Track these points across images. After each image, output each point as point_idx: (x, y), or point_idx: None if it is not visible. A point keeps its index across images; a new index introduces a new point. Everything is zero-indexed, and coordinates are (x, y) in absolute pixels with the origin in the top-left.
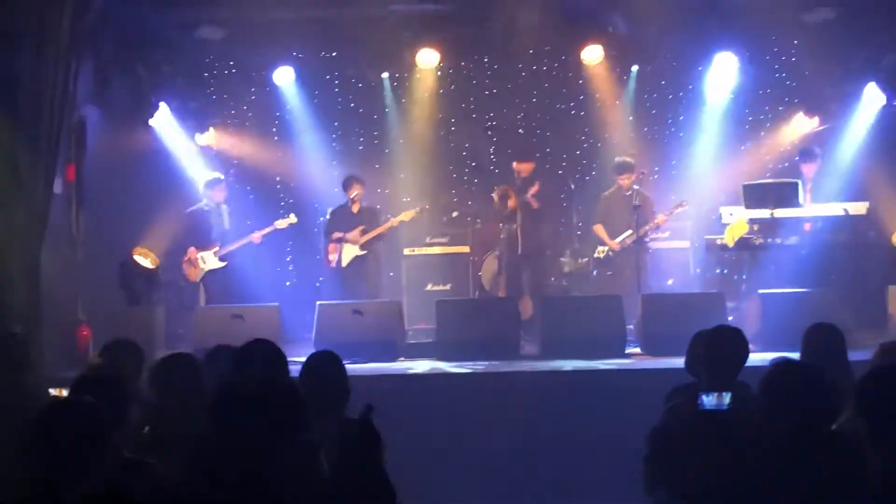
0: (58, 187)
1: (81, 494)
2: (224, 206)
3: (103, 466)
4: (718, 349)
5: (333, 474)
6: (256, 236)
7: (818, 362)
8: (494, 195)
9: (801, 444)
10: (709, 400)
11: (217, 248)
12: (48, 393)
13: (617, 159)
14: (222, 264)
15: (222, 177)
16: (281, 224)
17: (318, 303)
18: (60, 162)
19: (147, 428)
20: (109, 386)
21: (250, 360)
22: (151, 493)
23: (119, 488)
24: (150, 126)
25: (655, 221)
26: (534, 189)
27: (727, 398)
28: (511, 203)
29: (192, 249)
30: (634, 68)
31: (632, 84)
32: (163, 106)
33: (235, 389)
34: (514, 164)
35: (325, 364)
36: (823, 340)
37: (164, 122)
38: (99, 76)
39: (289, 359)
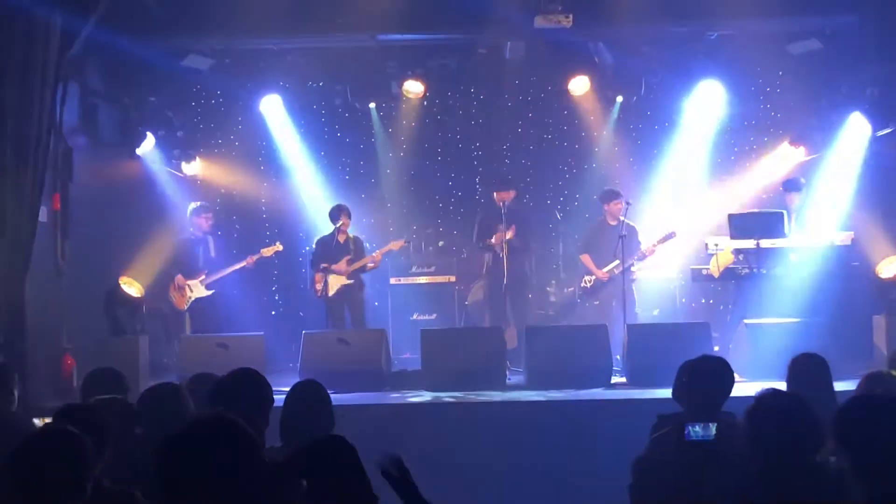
0: (43, 216)
1: None
2: (210, 237)
3: (84, 496)
4: (703, 379)
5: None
6: (251, 260)
7: (803, 392)
8: (477, 226)
9: (785, 475)
10: (694, 430)
11: (203, 277)
12: (32, 422)
13: (604, 189)
14: (209, 293)
15: (208, 205)
16: (267, 252)
17: (303, 332)
18: (46, 191)
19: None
20: (92, 416)
21: (233, 389)
22: None
23: None
24: (137, 155)
25: (642, 251)
26: (511, 232)
27: (712, 429)
28: (497, 236)
29: (180, 277)
30: (619, 99)
31: (615, 114)
32: (149, 135)
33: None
34: (495, 193)
35: (309, 394)
36: (809, 371)
37: (150, 151)
38: (85, 105)
39: (274, 388)
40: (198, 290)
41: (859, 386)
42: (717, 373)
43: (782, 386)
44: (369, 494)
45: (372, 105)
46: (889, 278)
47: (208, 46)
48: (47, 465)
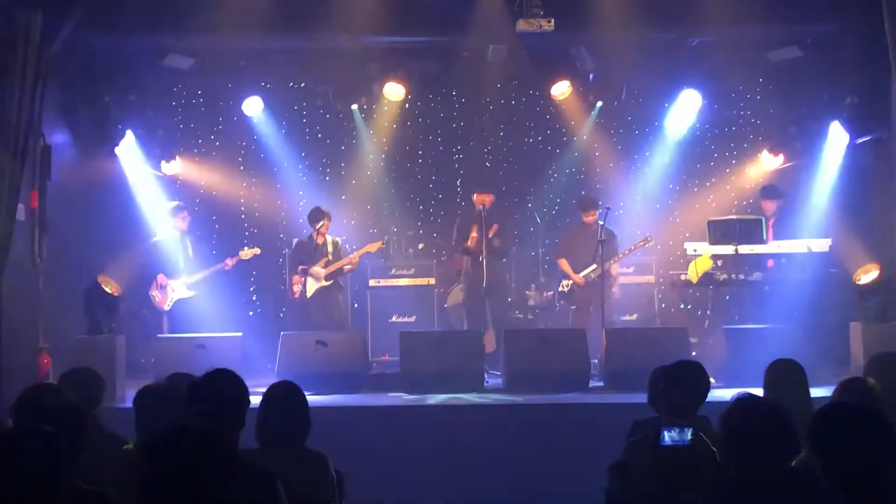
0: (21, 214)
1: None
2: (188, 237)
3: (57, 497)
4: (679, 383)
5: None
6: (229, 262)
7: (780, 398)
8: (456, 229)
9: (760, 481)
10: (670, 435)
11: (185, 277)
12: (7, 421)
13: (582, 194)
14: (191, 293)
15: (184, 205)
16: (245, 255)
17: (282, 333)
18: (24, 189)
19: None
20: (65, 415)
21: (209, 389)
22: None
23: None
24: (116, 154)
25: (618, 257)
26: (493, 230)
27: (688, 433)
28: (474, 237)
29: (161, 276)
30: (599, 104)
31: (593, 118)
32: (129, 134)
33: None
34: (475, 195)
35: (285, 395)
36: (785, 376)
37: (130, 150)
38: (65, 103)
39: (251, 389)
40: (180, 290)
41: (835, 393)
42: (693, 377)
43: (759, 391)
44: None
45: (354, 106)
46: (866, 285)
47: (189, 46)
48: (19, 466)
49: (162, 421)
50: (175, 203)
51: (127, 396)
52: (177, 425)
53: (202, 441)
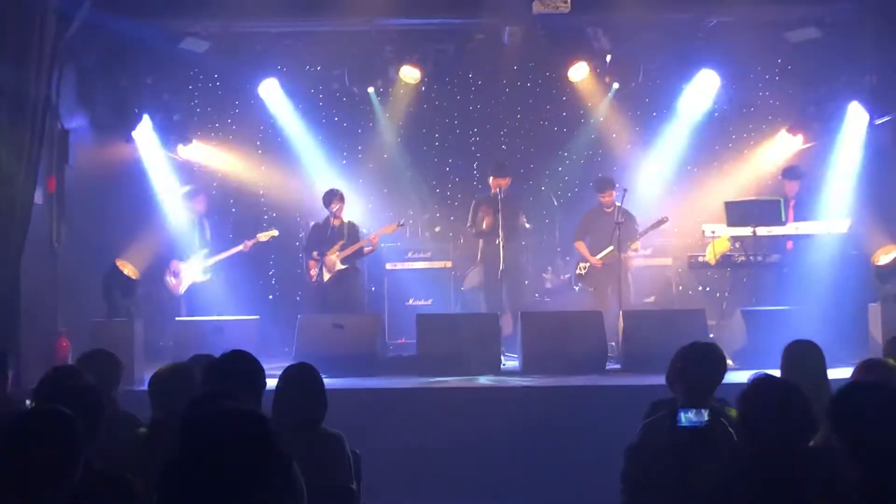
0: (39, 198)
1: None
2: (205, 220)
3: (73, 478)
4: (695, 365)
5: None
6: (247, 244)
7: (798, 379)
8: (469, 214)
9: (777, 461)
10: (686, 416)
11: (202, 261)
12: (26, 404)
13: (597, 177)
14: (205, 277)
15: (198, 187)
16: (263, 237)
17: (298, 316)
18: (42, 172)
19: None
20: (83, 396)
21: (226, 370)
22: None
23: (89, 500)
24: (133, 138)
25: (636, 238)
26: (521, 217)
27: (705, 414)
28: (487, 221)
29: (175, 262)
30: (615, 85)
31: (608, 100)
32: (146, 118)
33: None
34: (491, 178)
35: (302, 376)
36: (803, 357)
37: (146, 134)
38: (82, 87)
39: (268, 372)
40: (195, 274)
41: (854, 373)
42: (710, 359)
43: (777, 373)
44: None
45: (371, 90)
46: (885, 266)
47: (205, 29)
48: (36, 447)
49: (176, 402)
50: (189, 187)
51: (144, 379)
52: (230, 407)
53: (257, 425)
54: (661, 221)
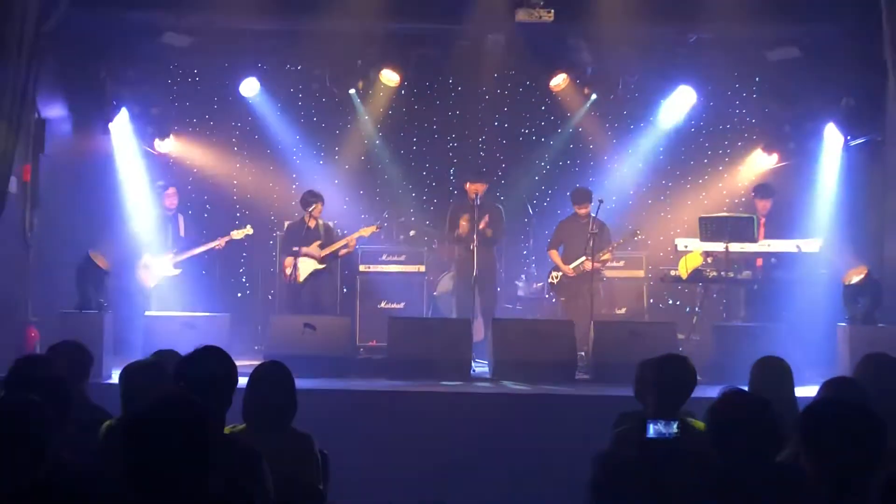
0: (13, 187)
1: (9, 493)
2: (180, 215)
3: (41, 468)
4: (666, 376)
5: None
6: (221, 242)
7: (765, 395)
8: (447, 218)
9: (745, 475)
10: (655, 427)
11: (172, 256)
12: None
13: (576, 187)
14: (177, 272)
15: (166, 183)
16: (237, 234)
17: (271, 316)
18: (17, 162)
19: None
20: (53, 387)
21: (197, 366)
22: (89, 496)
23: (55, 491)
24: (110, 130)
25: (609, 249)
26: (484, 222)
27: (673, 426)
28: (464, 227)
29: (146, 255)
30: (593, 97)
31: (582, 111)
32: (124, 110)
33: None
34: (468, 184)
35: (274, 375)
36: (771, 374)
37: (124, 126)
38: (61, 78)
39: (238, 370)
40: (166, 268)
41: (820, 391)
42: (682, 371)
43: (745, 389)
44: None
45: (352, 91)
46: (855, 286)
47: (187, 24)
48: (3, 436)
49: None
50: (160, 182)
51: (112, 373)
52: (161, 398)
53: (188, 413)
54: (634, 234)
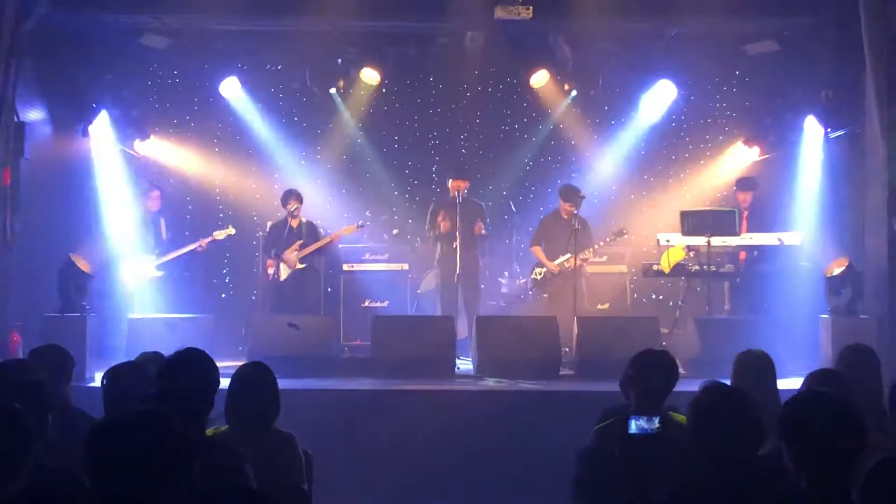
0: None
1: None
2: (161, 218)
3: (23, 474)
4: (647, 372)
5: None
6: (203, 243)
7: (747, 388)
8: (427, 216)
9: (726, 469)
10: (637, 423)
11: (154, 258)
12: None
13: (566, 185)
14: (159, 274)
15: (149, 185)
16: (220, 235)
17: (253, 316)
18: None
19: None
20: (33, 392)
21: (179, 368)
22: (72, 501)
23: (38, 495)
24: (90, 133)
25: (594, 248)
26: (478, 226)
27: (656, 421)
28: (444, 225)
29: (129, 258)
30: (573, 93)
31: (563, 107)
32: (104, 113)
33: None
34: (450, 182)
35: (256, 376)
36: (753, 367)
37: (104, 129)
38: (40, 81)
39: (221, 372)
40: (148, 271)
41: (804, 384)
42: (662, 366)
43: (728, 382)
44: None
45: (332, 90)
46: (837, 278)
47: (166, 25)
48: None
49: (131, 401)
50: (144, 185)
51: (95, 376)
52: (125, 414)
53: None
54: (620, 234)
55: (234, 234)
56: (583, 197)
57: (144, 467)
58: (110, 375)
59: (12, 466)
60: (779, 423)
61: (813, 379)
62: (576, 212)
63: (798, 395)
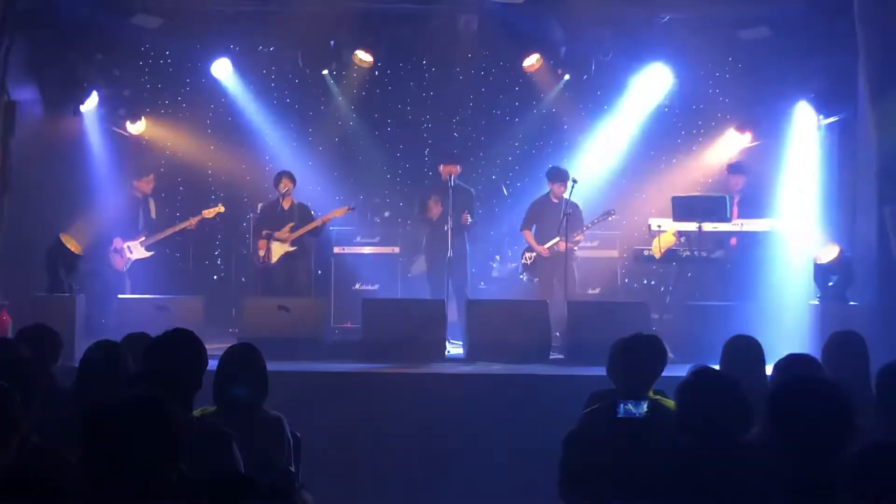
0: None
1: None
2: (151, 199)
3: (9, 451)
4: (635, 356)
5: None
6: (192, 221)
7: (736, 373)
8: (417, 201)
9: (713, 453)
10: (625, 407)
11: (143, 239)
12: None
13: (551, 167)
14: (149, 254)
15: (143, 168)
16: (208, 213)
17: (245, 298)
18: None
19: None
20: (20, 370)
21: (166, 349)
22: (59, 480)
23: (24, 474)
24: (82, 112)
25: (582, 230)
26: (464, 216)
27: (644, 405)
28: (435, 210)
29: (117, 239)
30: (566, 77)
31: (555, 92)
32: (95, 93)
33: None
34: (441, 166)
35: (244, 357)
36: (742, 352)
37: (95, 109)
38: (32, 60)
39: (211, 353)
40: (137, 251)
41: (775, 369)
42: (651, 350)
43: (717, 367)
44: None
45: (325, 72)
46: (826, 265)
47: (158, 5)
48: None
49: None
50: (141, 166)
51: None
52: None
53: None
54: (608, 214)
55: (224, 213)
56: (574, 181)
57: (133, 449)
58: (85, 354)
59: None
60: (767, 405)
61: (778, 367)
62: (565, 193)
63: (785, 379)
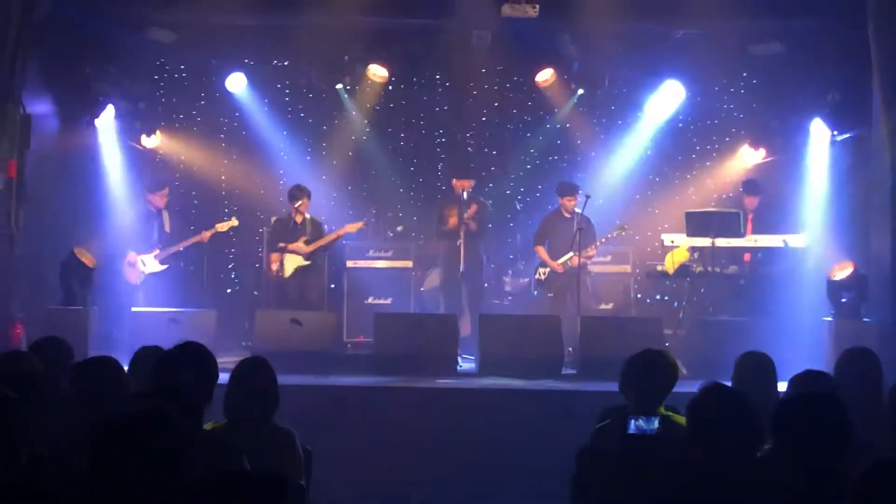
0: None
1: None
2: (165, 212)
3: (18, 463)
4: (645, 372)
5: None
6: (206, 235)
7: (748, 390)
8: (436, 212)
9: (724, 470)
10: (636, 423)
11: (157, 252)
12: None
13: (560, 182)
14: (163, 268)
15: (163, 181)
16: (222, 227)
17: (257, 311)
18: (2, 158)
19: None
20: (31, 382)
21: (177, 361)
22: (67, 490)
23: (32, 483)
24: (96, 126)
25: (595, 245)
26: (471, 211)
27: (655, 422)
28: (452, 221)
29: (131, 253)
30: (579, 91)
31: (569, 107)
32: (109, 106)
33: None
34: (454, 180)
35: (254, 371)
36: (754, 368)
37: (109, 122)
38: (47, 73)
39: (224, 366)
40: (151, 265)
41: (790, 385)
42: (662, 366)
43: (729, 384)
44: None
45: (339, 86)
46: (840, 282)
47: (173, 19)
48: None
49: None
50: (156, 180)
51: None
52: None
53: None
54: (621, 229)
55: (238, 227)
56: (588, 196)
57: (144, 463)
58: (80, 373)
59: (6, 456)
60: (771, 423)
61: (794, 383)
62: (578, 210)
63: (787, 396)
